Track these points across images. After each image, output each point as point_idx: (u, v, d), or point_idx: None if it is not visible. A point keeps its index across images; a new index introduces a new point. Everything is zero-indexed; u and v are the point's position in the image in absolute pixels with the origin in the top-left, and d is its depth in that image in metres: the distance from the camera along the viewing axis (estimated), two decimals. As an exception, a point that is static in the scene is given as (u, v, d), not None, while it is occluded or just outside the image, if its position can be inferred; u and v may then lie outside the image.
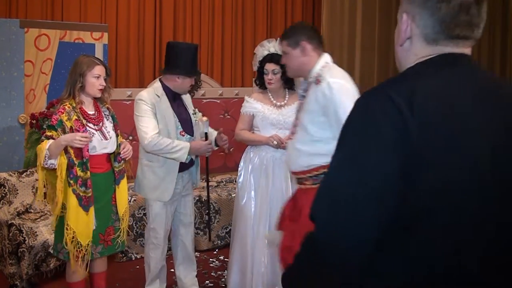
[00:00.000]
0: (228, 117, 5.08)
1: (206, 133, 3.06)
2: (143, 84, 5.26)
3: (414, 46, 1.10)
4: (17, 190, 3.86)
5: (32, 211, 3.88)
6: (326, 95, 2.16)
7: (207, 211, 3.93)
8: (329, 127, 2.17)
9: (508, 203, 1.02)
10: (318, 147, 2.20)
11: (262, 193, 3.07)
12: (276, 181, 3.05)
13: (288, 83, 3.15)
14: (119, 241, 2.84)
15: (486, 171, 0.99)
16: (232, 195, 4.20)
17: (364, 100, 1.04)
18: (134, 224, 4.04)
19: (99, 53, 4.65)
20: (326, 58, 2.36)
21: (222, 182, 4.99)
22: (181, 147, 2.91)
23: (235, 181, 3.51)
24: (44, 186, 2.74)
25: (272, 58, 3.07)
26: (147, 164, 3.05)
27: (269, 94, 3.18)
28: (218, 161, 5.33)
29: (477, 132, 1.00)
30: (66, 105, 2.66)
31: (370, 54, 5.80)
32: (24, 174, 3.96)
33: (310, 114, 2.23)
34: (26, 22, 4.50)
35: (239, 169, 3.25)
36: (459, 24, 1.05)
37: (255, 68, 3.23)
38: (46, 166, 2.61)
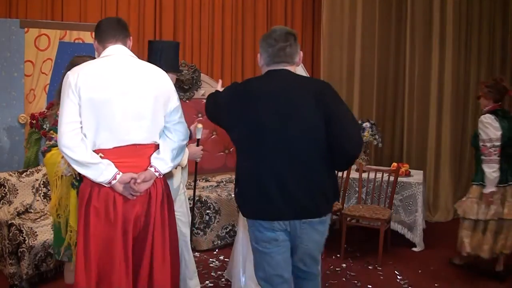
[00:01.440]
0: (228, 117, 5.07)
1: (198, 139, 3.05)
2: (143, 84, 5.24)
3: (263, 67, 2.27)
4: (17, 190, 3.87)
5: (32, 211, 3.88)
6: None
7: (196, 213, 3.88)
8: None
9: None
10: None
11: None
12: None
13: None
14: None
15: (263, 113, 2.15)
16: (232, 195, 4.21)
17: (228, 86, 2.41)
18: (134, 224, 4.03)
19: (99, 53, 4.65)
20: (107, 51, 2.26)
21: (222, 182, 4.99)
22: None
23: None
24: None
25: None
26: None
27: None
28: (218, 161, 5.33)
29: (261, 97, 2.16)
30: None
31: (370, 54, 5.79)
32: (24, 174, 3.97)
33: None
34: (26, 22, 4.50)
35: None
36: (280, 56, 2.21)
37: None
38: (69, 174, 2.56)
